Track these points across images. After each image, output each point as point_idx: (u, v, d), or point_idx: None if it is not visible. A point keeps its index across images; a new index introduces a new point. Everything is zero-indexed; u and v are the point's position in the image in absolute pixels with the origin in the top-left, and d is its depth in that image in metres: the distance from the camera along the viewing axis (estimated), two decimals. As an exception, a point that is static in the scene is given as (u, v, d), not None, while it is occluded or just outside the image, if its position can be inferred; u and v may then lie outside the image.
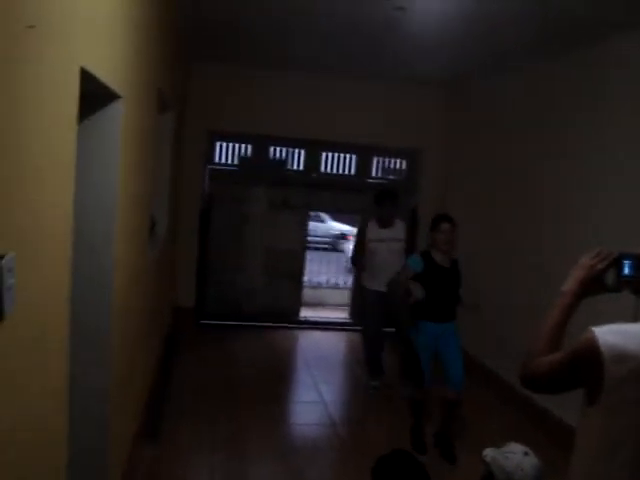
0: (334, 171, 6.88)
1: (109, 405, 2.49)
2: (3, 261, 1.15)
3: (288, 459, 3.76)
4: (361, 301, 5.39)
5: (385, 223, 4.97)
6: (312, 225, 9.31)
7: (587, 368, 1.31)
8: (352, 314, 7.16)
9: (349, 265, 5.71)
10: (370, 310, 5.09)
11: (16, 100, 1.20)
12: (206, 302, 6.57)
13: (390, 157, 6.98)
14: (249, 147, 6.69)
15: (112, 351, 2.47)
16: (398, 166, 7.05)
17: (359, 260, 5.20)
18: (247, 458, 3.71)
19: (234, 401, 4.53)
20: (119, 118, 2.30)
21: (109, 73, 2.06)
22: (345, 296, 7.82)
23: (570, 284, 1.51)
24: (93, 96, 2.11)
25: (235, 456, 3.72)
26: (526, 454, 1.92)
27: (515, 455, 1.92)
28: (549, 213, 4.60)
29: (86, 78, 1.77)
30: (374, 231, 4.99)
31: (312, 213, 7.58)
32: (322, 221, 15.57)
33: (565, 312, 1.48)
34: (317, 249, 12.14)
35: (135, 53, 2.62)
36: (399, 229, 5.02)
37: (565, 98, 4.48)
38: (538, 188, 4.77)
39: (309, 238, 7.32)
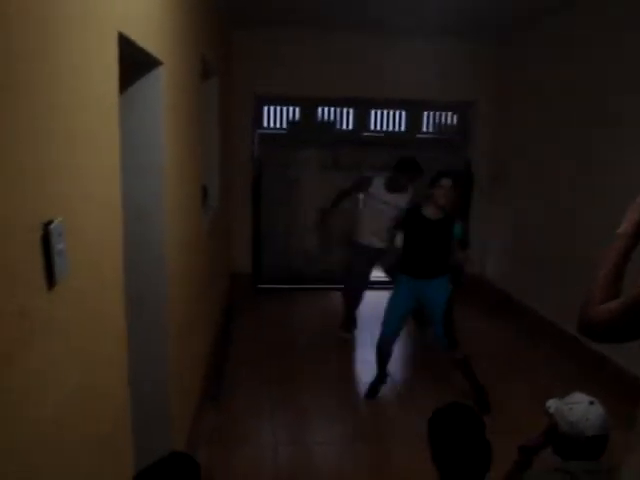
0: (384, 128, 6.74)
1: (169, 372, 2.54)
2: (52, 226, 1.17)
3: (348, 417, 3.82)
4: (350, 256, 5.20)
5: (395, 189, 4.76)
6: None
7: None
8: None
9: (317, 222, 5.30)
10: (359, 267, 5.02)
11: (52, 67, 1.20)
12: (263, 267, 6.65)
13: (441, 111, 6.78)
14: (297, 110, 6.62)
15: (170, 318, 2.51)
16: (449, 121, 6.85)
17: (329, 215, 5.06)
18: (307, 418, 3.78)
19: (293, 363, 4.60)
20: (161, 85, 2.29)
21: (149, 39, 2.04)
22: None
23: (626, 226, 1.40)
24: (134, 63, 2.11)
25: (295, 417, 3.79)
26: (592, 403, 1.86)
27: (580, 405, 1.86)
28: (607, 165, 4.40)
29: (125, 44, 1.76)
30: (380, 192, 4.78)
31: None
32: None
33: (622, 256, 1.38)
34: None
35: (175, 18, 2.60)
36: (407, 197, 4.76)
37: (625, 43, 4.21)
38: (598, 141, 4.56)
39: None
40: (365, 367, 4.74)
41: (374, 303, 6.30)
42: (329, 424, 3.74)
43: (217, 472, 3.14)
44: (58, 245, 1.20)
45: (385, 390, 4.22)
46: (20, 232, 1.07)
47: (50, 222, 1.17)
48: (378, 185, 4.83)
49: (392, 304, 4.01)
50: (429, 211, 3.81)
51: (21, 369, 1.07)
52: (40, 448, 1.16)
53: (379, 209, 4.73)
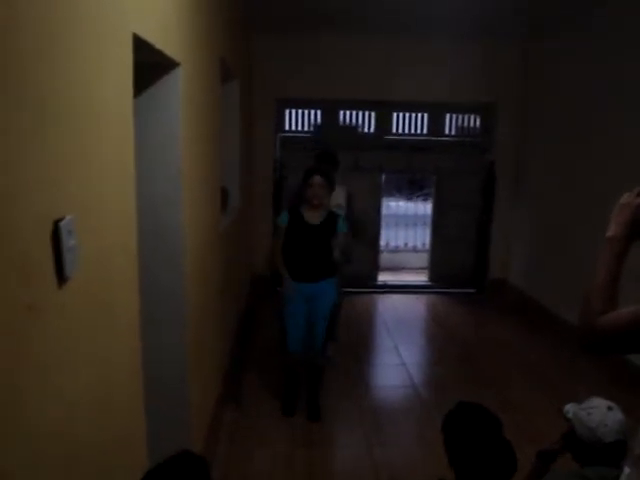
0: (406, 131, 6.71)
1: (187, 370, 2.55)
2: (62, 223, 1.18)
3: (369, 420, 3.79)
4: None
5: None
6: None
7: None
8: (431, 277, 7.07)
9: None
10: None
11: (65, 66, 1.21)
12: (284, 269, 6.64)
13: (463, 113, 6.72)
14: (319, 113, 6.62)
15: (187, 316, 2.52)
16: (472, 123, 6.78)
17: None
18: (328, 419, 3.77)
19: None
20: (179, 86, 2.30)
21: (165, 40, 2.04)
22: (424, 259, 7.71)
23: (616, 229, 1.33)
24: (151, 65, 2.13)
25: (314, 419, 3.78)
26: (610, 409, 1.82)
27: (598, 410, 1.82)
28: (632, 165, 4.31)
29: (140, 45, 1.77)
30: None
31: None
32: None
33: (617, 261, 1.31)
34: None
35: (193, 20, 2.61)
36: (339, 194, 4.54)
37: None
38: (620, 140, 4.49)
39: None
40: (388, 370, 4.75)
41: (396, 308, 6.30)
42: (350, 428, 3.73)
43: (235, 470, 3.17)
44: (69, 242, 1.21)
45: (409, 396, 4.20)
46: (30, 228, 1.08)
47: (61, 219, 1.18)
48: None
49: (287, 313, 3.83)
50: (309, 215, 3.68)
51: (31, 366, 1.07)
52: (53, 444, 1.17)
53: None
